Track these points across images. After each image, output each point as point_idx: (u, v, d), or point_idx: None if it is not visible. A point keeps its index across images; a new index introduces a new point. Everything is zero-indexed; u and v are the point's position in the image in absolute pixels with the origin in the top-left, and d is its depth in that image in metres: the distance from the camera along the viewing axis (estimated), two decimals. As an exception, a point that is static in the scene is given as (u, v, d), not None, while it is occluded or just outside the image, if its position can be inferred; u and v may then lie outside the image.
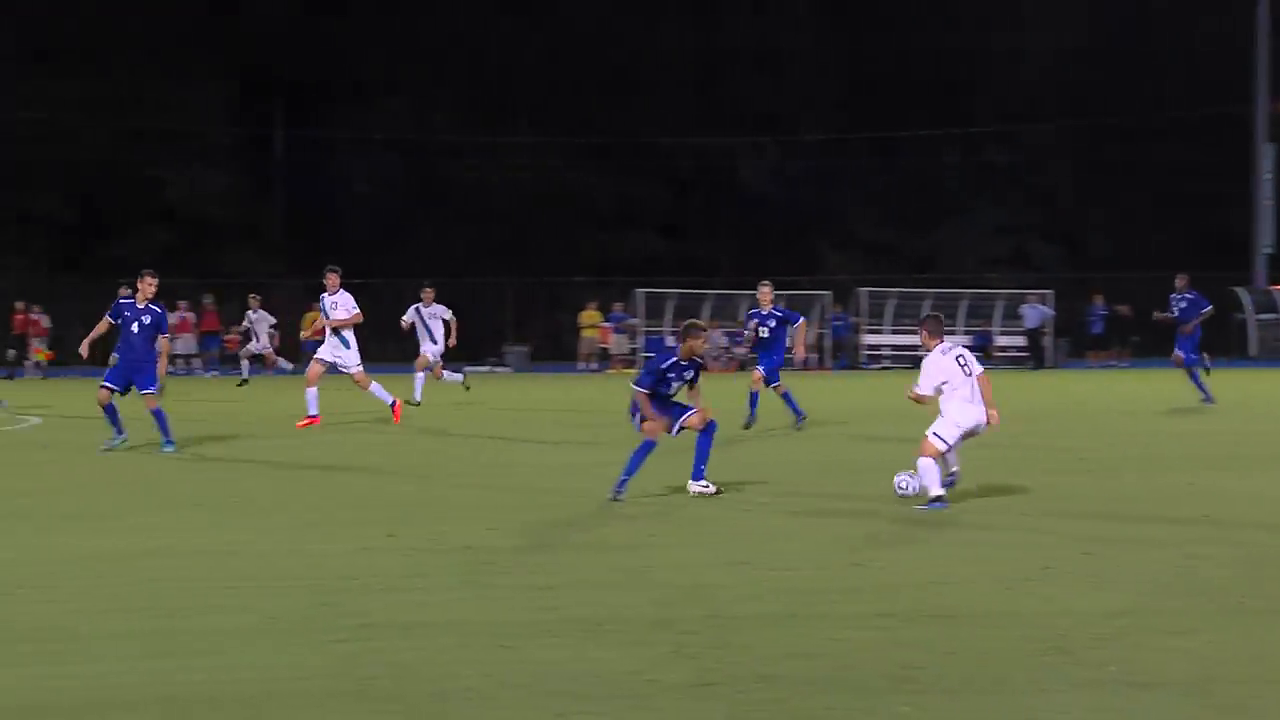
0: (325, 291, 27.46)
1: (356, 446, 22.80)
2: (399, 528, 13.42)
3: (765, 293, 25.95)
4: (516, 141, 75.04)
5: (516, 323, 65.44)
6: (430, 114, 73.94)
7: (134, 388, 21.71)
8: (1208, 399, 30.21)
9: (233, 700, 7.71)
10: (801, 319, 26.62)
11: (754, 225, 75.10)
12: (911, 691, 7.84)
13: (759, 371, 25.25)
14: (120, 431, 21.64)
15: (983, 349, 61.77)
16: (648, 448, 15.62)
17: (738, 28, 77.53)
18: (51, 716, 7.47)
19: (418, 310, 31.94)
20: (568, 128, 73.92)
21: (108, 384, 21.75)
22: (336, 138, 73.45)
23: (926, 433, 15.18)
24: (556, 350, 61.98)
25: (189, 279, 62.30)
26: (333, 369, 27.16)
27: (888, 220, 77.25)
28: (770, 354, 25.40)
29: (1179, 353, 31.06)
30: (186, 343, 56.75)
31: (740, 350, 60.52)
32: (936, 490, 14.84)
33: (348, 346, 27.05)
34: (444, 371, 32.39)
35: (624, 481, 15.39)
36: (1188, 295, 31.10)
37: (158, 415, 21.57)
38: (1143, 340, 56.51)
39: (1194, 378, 30.77)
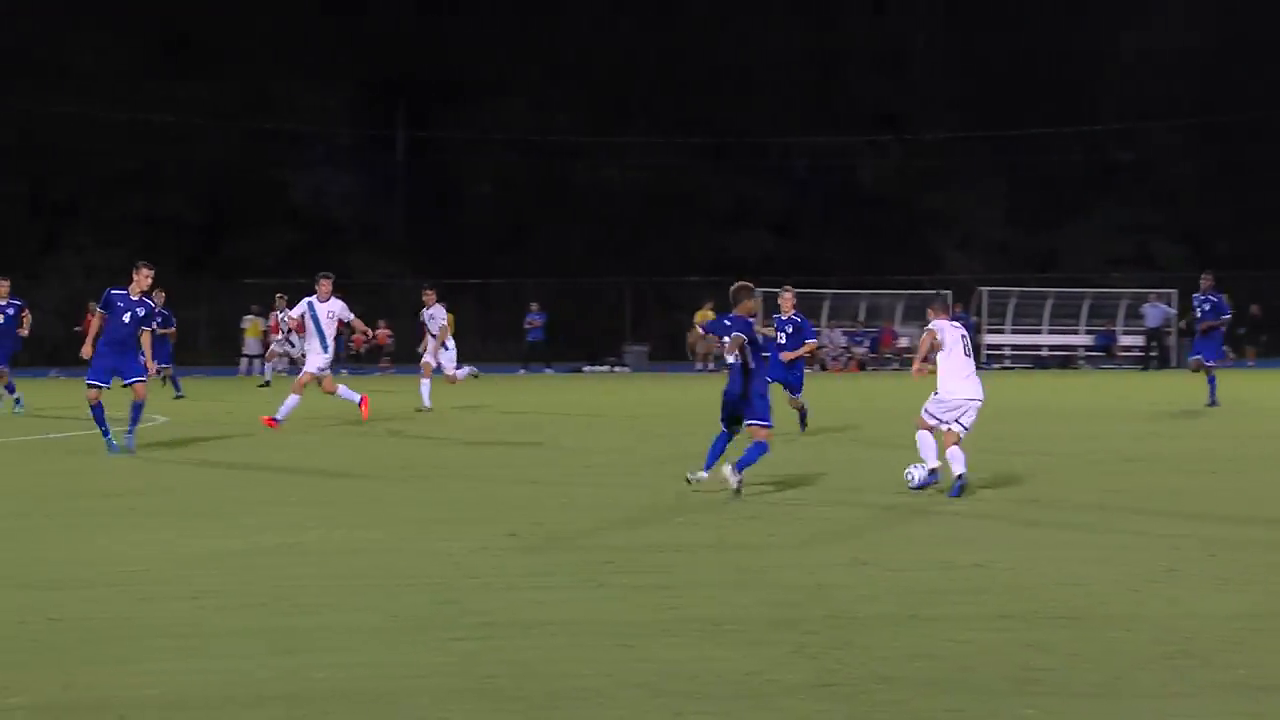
0: (316, 297, 27.53)
1: (476, 448, 22.90)
2: (520, 527, 13.47)
3: (787, 298, 24.80)
4: (634, 141, 75.14)
5: (634, 322, 65.56)
6: (549, 114, 74.20)
7: (119, 378, 21.50)
8: (1213, 402, 29.65)
9: (356, 697, 7.77)
10: (814, 338, 25.66)
11: (871, 225, 74.75)
12: (1035, 694, 7.77)
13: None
14: (107, 432, 21.46)
15: (1105, 349, 61.20)
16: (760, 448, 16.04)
17: (857, 26, 77.26)
18: (185, 711, 7.57)
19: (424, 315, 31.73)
20: (684, 127, 73.94)
21: (95, 383, 21.43)
22: (457, 138, 73.90)
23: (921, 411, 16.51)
24: (674, 350, 62.02)
25: (313, 279, 62.97)
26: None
27: (1009, 219, 76.68)
28: (791, 364, 24.30)
29: (1199, 356, 30.55)
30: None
31: (860, 350, 60.36)
32: (932, 463, 16.01)
33: (325, 350, 26.97)
34: (455, 371, 31.80)
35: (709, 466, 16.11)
36: (1211, 297, 30.47)
37: (136, 408, 21.50)
38: (1271, 340, 55.77)
39: (1211, 380, 30.25)
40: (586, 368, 58.05)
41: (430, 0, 75.15)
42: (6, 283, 29.07)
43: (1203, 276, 31.00)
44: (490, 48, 73.76)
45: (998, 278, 63.80)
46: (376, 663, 8.47)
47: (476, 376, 31.65)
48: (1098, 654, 8.62)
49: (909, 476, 16.27)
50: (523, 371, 56.38)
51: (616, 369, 58.15)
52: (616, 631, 9.18)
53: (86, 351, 21.50)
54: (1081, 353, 61.19)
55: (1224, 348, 30.60)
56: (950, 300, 18.59)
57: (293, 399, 25.76)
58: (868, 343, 61.47)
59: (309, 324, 26.86)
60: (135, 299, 21.66)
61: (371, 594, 10.39)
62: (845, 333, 60.93)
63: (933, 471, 16.27)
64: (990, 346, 61.11)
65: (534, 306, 58.42)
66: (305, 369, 26.74)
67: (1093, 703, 7.70)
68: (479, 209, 74.27)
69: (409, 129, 75.46)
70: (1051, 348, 62.01)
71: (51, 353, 60.53)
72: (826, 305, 60.82)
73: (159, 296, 37.11)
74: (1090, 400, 32.55)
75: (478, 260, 66.15)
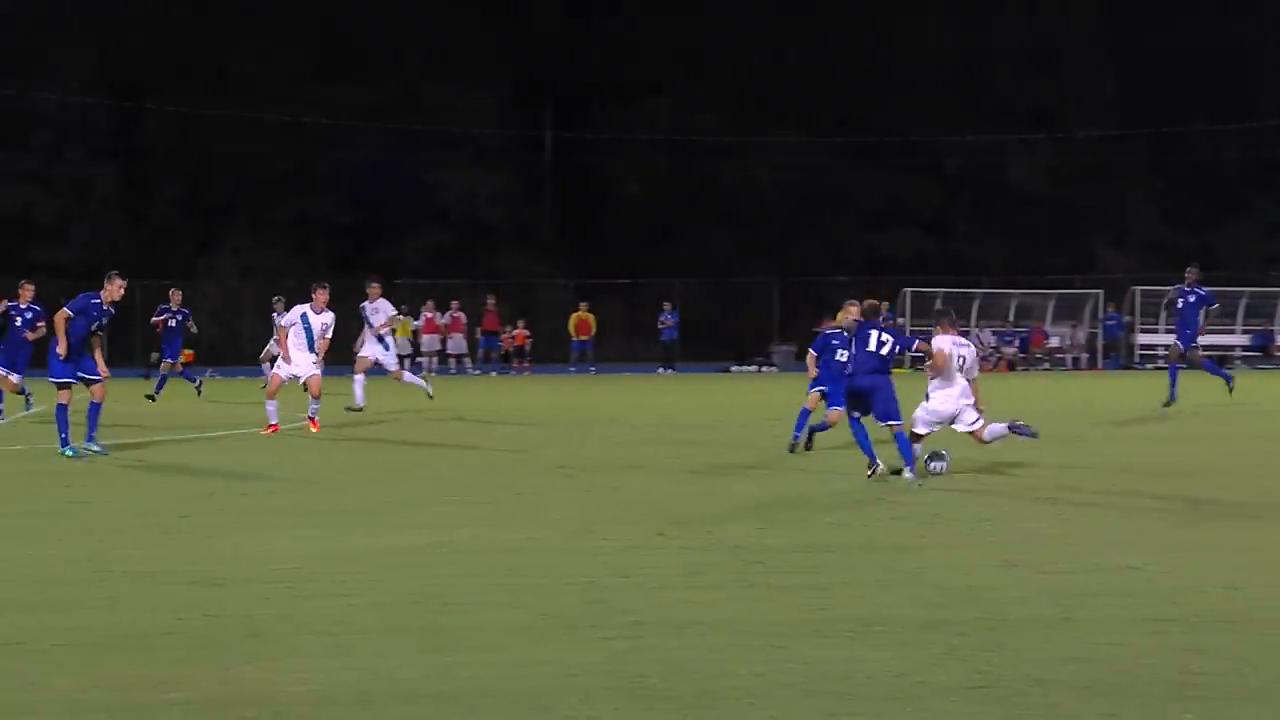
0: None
1: (624, 447, 22.96)
2: (669, 527, 13.48)
3: (852, 310, 21.46)
4: (782, 141, 74.98)
5: (782, 322, 65.40)
6: (697, 114, 74.21)
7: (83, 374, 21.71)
8: (1172, 398, 28.81)
9: (505, 695, 7.81)
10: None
11: (1024, 223, 74.01)
12: (1194, 699, 7.64)
13: (816, 394, 21.38)
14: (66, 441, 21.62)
15: (1263, 349, 60.13)
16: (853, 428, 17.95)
17: (1009, 24, 76.50)
18: (335, 707, 7.65)
19: (363, 309, 30.24)
20: (833, 126, 73.65)
21: (65, 380, 21.68)
22: (605, 138, 74.13)
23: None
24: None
25: (462, 280, 63.48)
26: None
27: (1164, 217, 75.60)
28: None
29: (1178, 344, 29.84)
30: (457, 343, 57.79)
31: (1010, 350, 59.80)
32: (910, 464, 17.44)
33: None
34: (403, 373, 30.89)
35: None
36: (1198, 290, 29.69)
37: (95, 409, 21.72)
38: None
39: (1174, 371, 29.51)
40: (734, 367, 58.02)
41: (580, 2, 75.48)
42: (31, 287, 29.05)
43: (1188, 270, 30.31)
44: (638, 48, 73.92)
45: (1152, 276, 62.88)
46: (526, 661, 8.51)
47: (431, 397, 30.65)
48: (1258, 657, 8.47)
49: (935, 468, 17.74)
50: (664, 371, 56.52)
51: (764, 369, 58.05)
52: (767, 631, 9.15)
53: (62, 350, 21.64)
54: (1238, 352, 60.18)
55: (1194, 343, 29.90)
56: (954, 318, 19.22)
57: (270, 405, 25.77)
58: (1017, 342, 60.90)
59: (299, 333, 26.49)
60: (105, 307, 21.95)
61: (521, 592, 10.44)
62: (995, 332, 60.42)
63: (939, 455, 17.97)
64: (1144, 346, 60.33)
65: (667, 306, 58.53)
66: (279, 372, 26.62)
67: (1254, 707, 7.56)
68: (626, 209, 74.46)
69: (557, 129, 75.81)
70: (1206, 347, 61.03)
71: (208, 353, 61.51)
72: (976, 305, 60.34)
73: (175, 296, 37.77)
74: (1246, 399, 32.02)
75: (625, 260, 66.36)
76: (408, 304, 58.15)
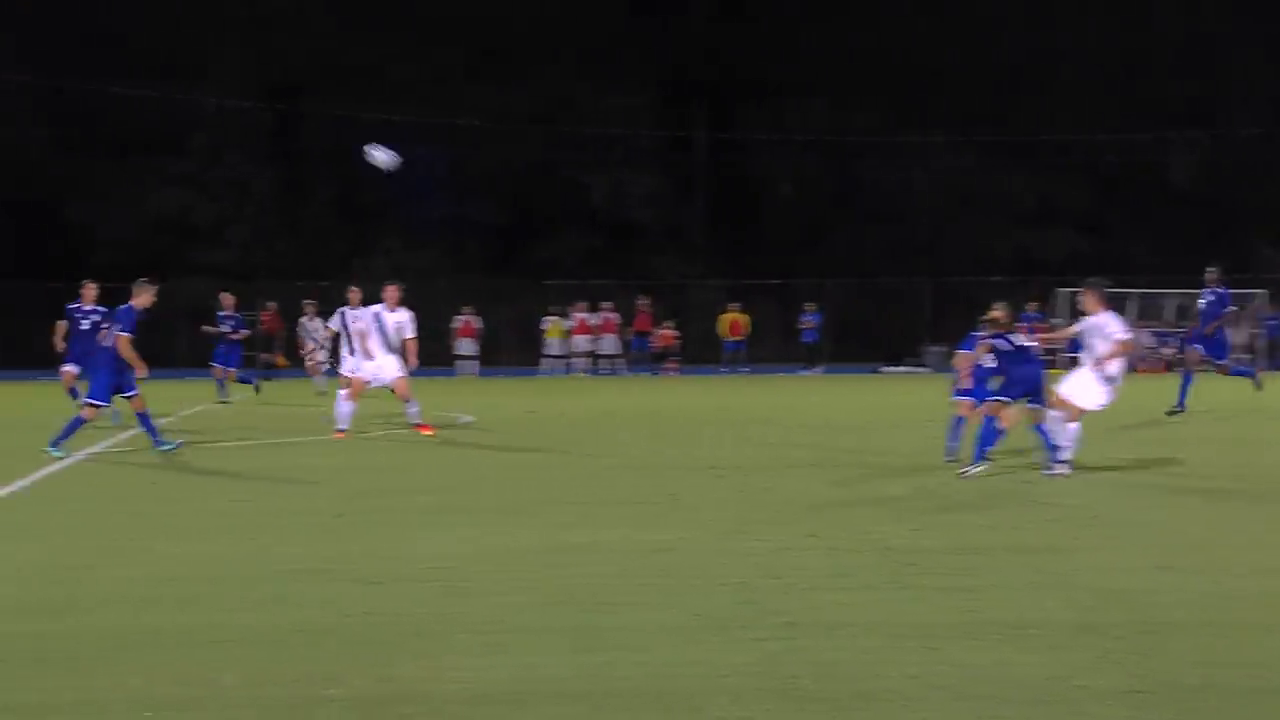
0: (384, 306, 26.05)
1: (774, 449, 22.96)
2: (821, 528, 13.48)
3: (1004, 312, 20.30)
4: (934, 141, 74.47)
5: (933, 323, 64.97)
6: (848, 114, 73.91)
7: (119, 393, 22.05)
8: (1181, 406, 27.89)
9: (658, 695, 7.86)
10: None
11: (1182, 222, 72.91)
12: (1357, 706, 7.54)
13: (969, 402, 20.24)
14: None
15: None
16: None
17: (1165, 20, 75.40)
18: (490, 705, 7.75)
19: (342, 315, 28.76)
20: (986, 125, 73.01)
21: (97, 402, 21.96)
22: (756, 139, 74.06)
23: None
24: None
25: (612, 280, 63.71)
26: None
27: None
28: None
29: (1196, 348, 28.97)
30: (610, 343, 58.06)
31: (1168, 351, 58.94)
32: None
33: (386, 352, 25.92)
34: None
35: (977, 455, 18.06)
36: (1218, 290, 28.84)
37: (143, 420, 21.95)
38: None
39: (1188, 379, 28.59)
40: (884, 368, 57.76)
41: (731, 2, 75.48)
42: (94, 287, 28.98)
43: (1208, 270, 29.60)
44: (789, 48, 73.76)
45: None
46: (678, 661, 8.56)
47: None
48: None
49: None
50: (804, 371, 56.36)
51: (916, 370, 57.72)
52: (919, 633, 9.14)
53: (143, 372, 22.00)
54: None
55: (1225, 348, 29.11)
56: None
57: (347, 406, 25.22)
58: (1176, 343, 59.99)
59: (375, 334, 25.70)
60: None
61: (674, 593, 10.49)
62: (1154, 333, 59.58)
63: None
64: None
65: (809, 307, 58.39)
66: (356, 374, 26.10)
67: None
68: (778, 209, 74.36)
69: (709, 130, 75.85)
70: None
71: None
72: (1135, 305, 59.55)
73: (227, 301, 37.99)
74: None
75: (777, 261, 66.29)
76: (556, 306, 58.59)
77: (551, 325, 58.31)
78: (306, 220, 71.85)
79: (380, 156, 25.40)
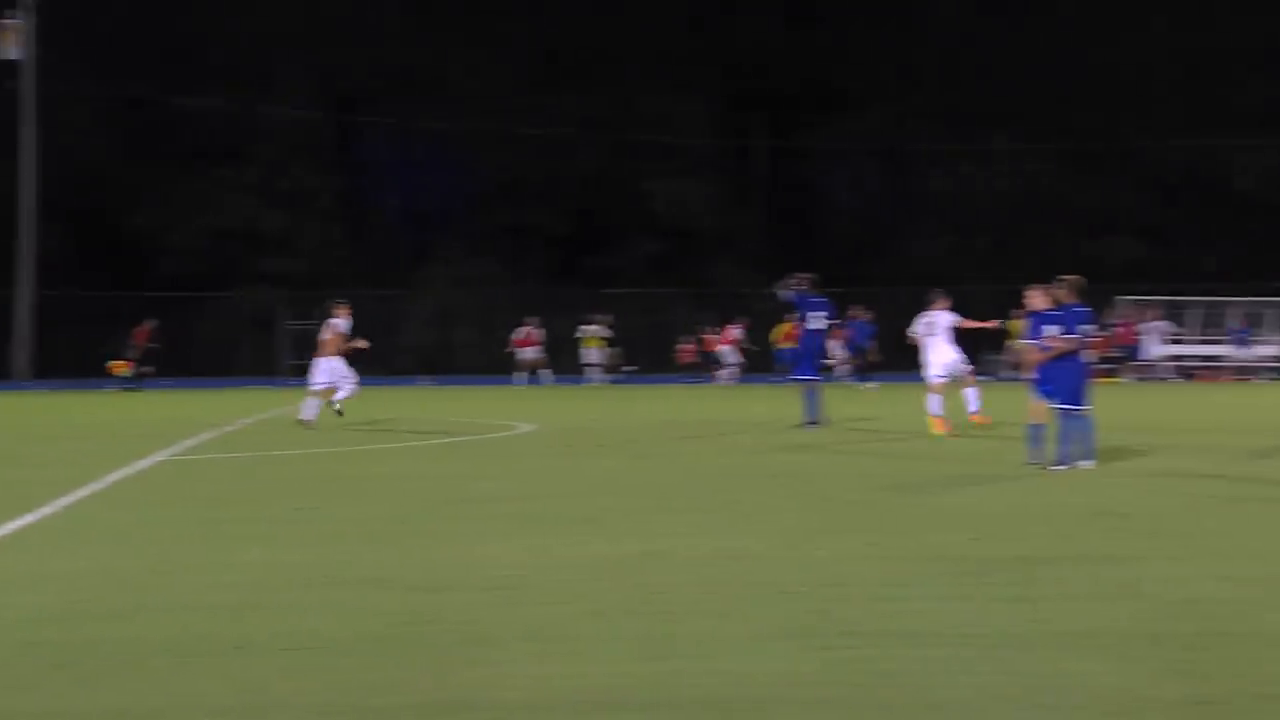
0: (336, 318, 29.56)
1: (839, 456, 22.94)
2: (880, 536, 13.44)
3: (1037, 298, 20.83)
4: (996, 149, 74.24)
5: (995, 331, 64.60)
6: (910, 122, 73.80)
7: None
8: None
9: (724, 704, 7.84)
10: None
11: (1246, 229, 72.45)
12: None
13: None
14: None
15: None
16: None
17: (1232, 25, 74.94)
18: (552, 713, 7.74)
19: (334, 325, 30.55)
20: (1049, 133, 72.75)
21: None
22: (817, 147, 74.00)
23: None
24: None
25: (674, 288, 63.77)
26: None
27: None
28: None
29: None
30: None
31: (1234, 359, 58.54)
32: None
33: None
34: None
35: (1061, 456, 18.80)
36: None
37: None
38: None
39: None
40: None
41: (793, 10, 75.47)
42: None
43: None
44: (851, 56, 73.73)
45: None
46: (743, 671, 8.53)
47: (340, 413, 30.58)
48: None
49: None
50: (866, 383, 55.99)
51: (980, 377, 57.34)
52: (981, 643, 9.09)
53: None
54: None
55: None
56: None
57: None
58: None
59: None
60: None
61: (738, 601, 10.47)
62: (1214, 341, 59.24)
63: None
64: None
65: (858, 314, 58.03)
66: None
67: None
68: (839, 218, 74.26)
69: (770, 138, 75.86)
70: None
71: (425, 360, 62.54)
72: (1199, 313, 59.19)
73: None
74: None
75: (839, 269, 66.13)
76: (614, 313, 58.61)
77: (588, 335, 58.41)
78: (370, 230, 72.23)
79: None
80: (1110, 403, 33.28)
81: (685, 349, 60.54)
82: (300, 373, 61.89)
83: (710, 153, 76.02)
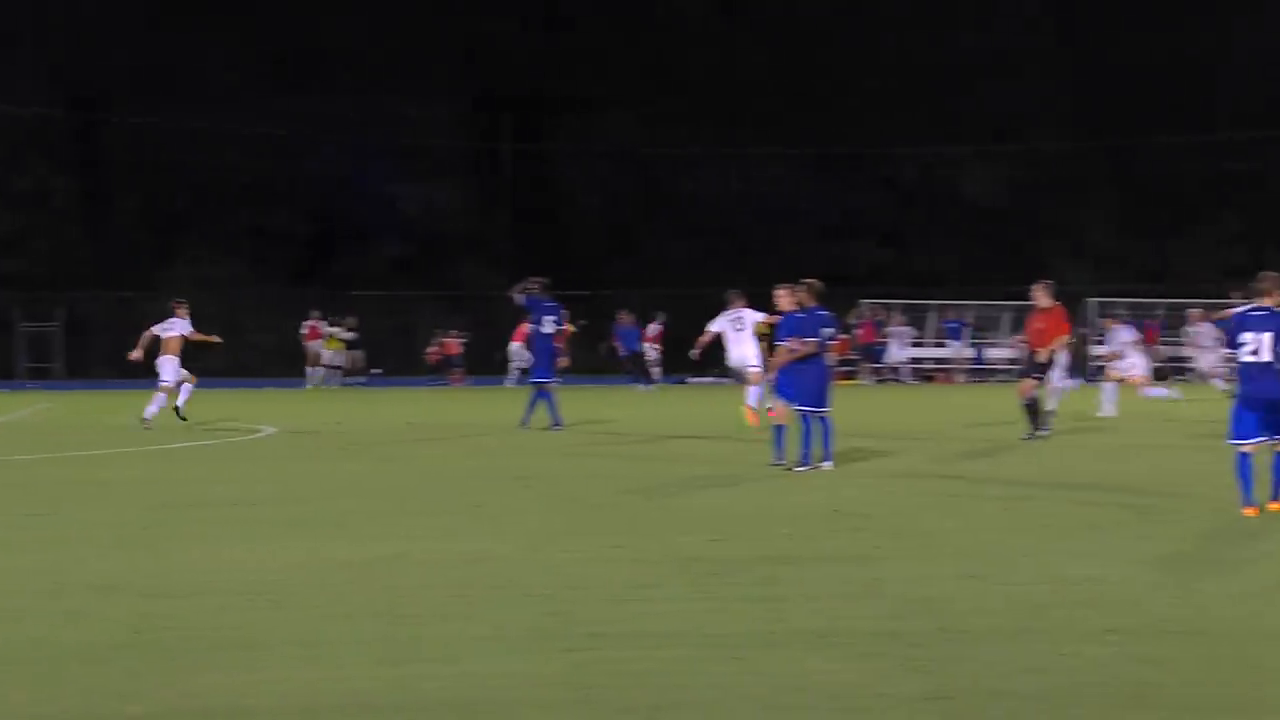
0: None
1: (579, 459, 22.99)
2: (626, 538, 13.49)
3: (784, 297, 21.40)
4: (740, 153, 75.13)
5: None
6: (655, 126, 74.33)
7: None
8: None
9: (464, 707, 7.81)
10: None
11: (981, 235, 74.32)
12: (1151, 709, 7.68)
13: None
14: None
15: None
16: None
17: (966, 36, 76.82)
18: (295, 717, 7.64)
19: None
20: (791, 139, 73.81)
21: None
22: (564, 150, 74.17)
23: None
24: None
25: (419, 290, 63.36)
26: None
27: (1121, 229, 75.99)
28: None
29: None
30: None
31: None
32: None
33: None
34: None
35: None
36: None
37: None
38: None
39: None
40: (691, 379, 57.97)
41: (538, 14, 75.56)
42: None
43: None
44: (597, 58, 74.01)
45: (1109, 288, 63.12)
46: (484, 673, 8.51)
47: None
48: (1211, 669, 8.51)
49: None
50: (646, 386, 56.15)
51: (721, 380, 57.90)
52: (724, 643, 9.16)
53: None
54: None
55: None
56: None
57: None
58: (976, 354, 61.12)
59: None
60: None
61: (479, 605, 10.44)
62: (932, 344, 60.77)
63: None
64: (1096, 357, 60.52)
65: (625, 318, 58.32)
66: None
67: (1205, 717, 7.60)
68: (585, 221, 74.52)
69: (516, 141, 75.85)
70: (1166, 359, 61.23)
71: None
72: (933, 316, 60.53)
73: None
74: (1192, 412, 32.21)
75: (584, 272, 66.32)
76: (357, 316, 57.86)
77: (329, 336, 57.58)
78: (109, 230, 70.55)
79: None
80: (850, 405, 33.86)
81: (433, 351, 60.19)
82: (37, 375, 60.66)
83: (457, 155, 75.76)
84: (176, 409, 30.16)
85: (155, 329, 30.59)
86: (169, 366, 30.29)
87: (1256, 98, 74.78)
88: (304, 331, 55.92)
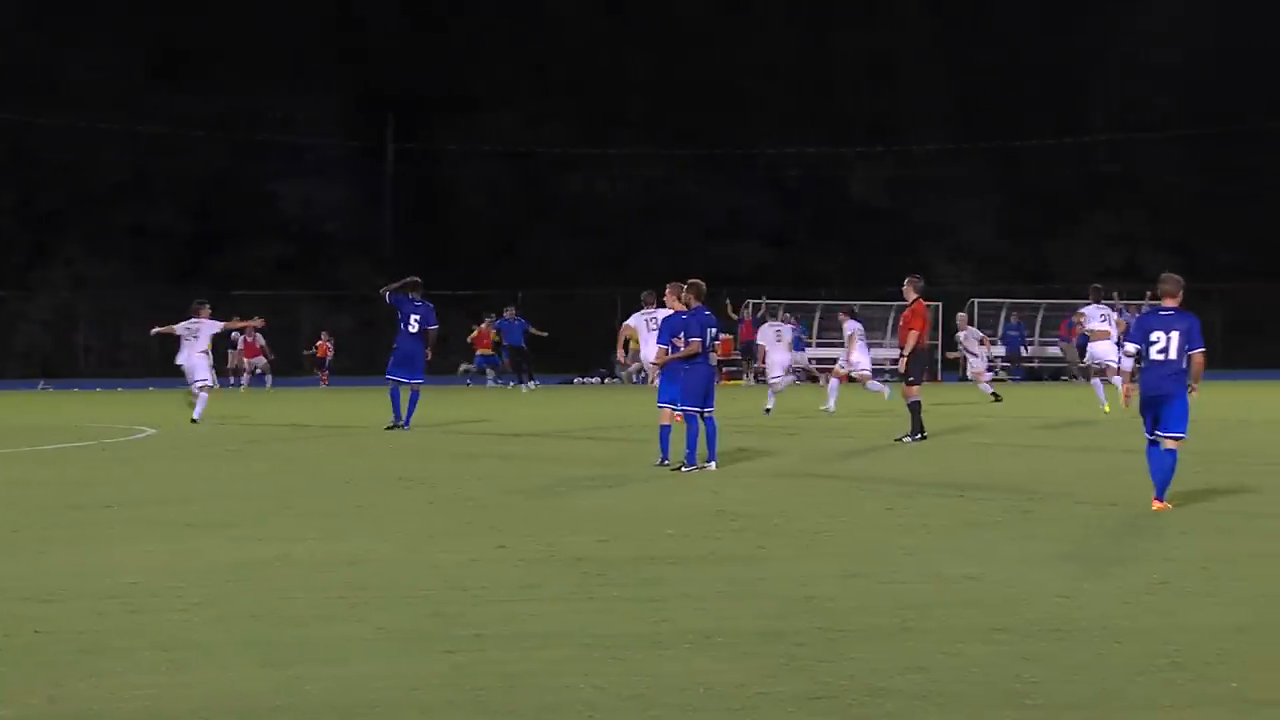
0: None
1: (465, 460, 22.93)
2: (510, 539, 13.46)
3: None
4: (626, 153, 75.22)
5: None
6: (540, 126, 74.28)
7: None
8: None
9: (347, 709, 7.75)
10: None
11: (864, 236, 74.87)
12: (1027, 706, 7.75)
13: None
14: None
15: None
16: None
17: (846, 38, 77.40)
18: (170, 724, 7.56)
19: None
20: (676, 138, 74.01)
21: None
22: (447, 150, 73.91)
23: None
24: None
25: (302, 290, 62.89)
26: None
27: (1000, 231, 76.86)
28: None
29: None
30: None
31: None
32: None
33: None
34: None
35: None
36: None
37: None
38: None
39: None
40: (577, 380, 58.00)
41: (423, 13, 75.26)
42: None
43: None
44: (482, 58, 73.85)
45: (989, 289, 63.83)
46: (367, 674, 8.45)
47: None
48: (1089, 667, 8.60)
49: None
50: (528, 384, 55.98)
51: (607, 381, 58.03)
52: (607, 644, 9.16)
53: None
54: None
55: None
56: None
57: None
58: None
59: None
60: None
61: (362, 606, 10.38)
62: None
63: None
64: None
65: (511, 314, 58.06)
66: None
67: (1083, 714, 7.68)
68: (469, 221, 74.30)
69: (399, 141, 75.51)
70: (1044, 359, 62.02)
71: (43, 364, 60.53)
72: (817, 316, 60.83)
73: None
74: (1091, 412, 32.63)
75: (469, 272, 66.15)
76: (240, 314, 57.30)
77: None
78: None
79: None
80: (734, 405, 34.04)
81: (317, 348, 59.79)
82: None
83: (339, 154, 75.33)
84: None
85: (179, 329, 31.15)
86: (202, 365, 30.99)
87: (1128, 102, 76.05)
88: (239, 347, 55.32)
